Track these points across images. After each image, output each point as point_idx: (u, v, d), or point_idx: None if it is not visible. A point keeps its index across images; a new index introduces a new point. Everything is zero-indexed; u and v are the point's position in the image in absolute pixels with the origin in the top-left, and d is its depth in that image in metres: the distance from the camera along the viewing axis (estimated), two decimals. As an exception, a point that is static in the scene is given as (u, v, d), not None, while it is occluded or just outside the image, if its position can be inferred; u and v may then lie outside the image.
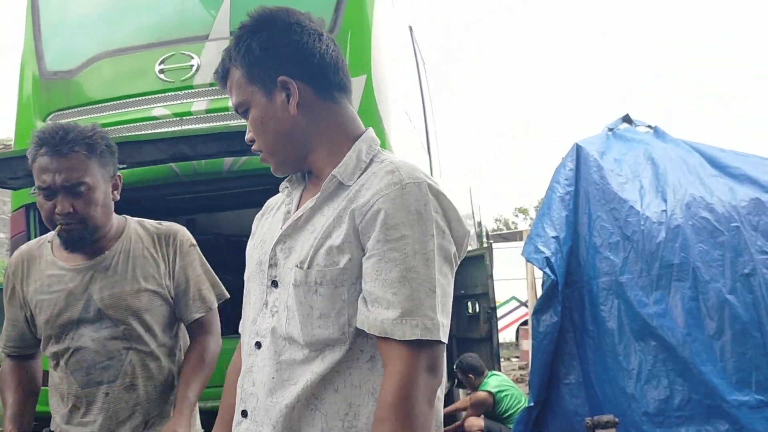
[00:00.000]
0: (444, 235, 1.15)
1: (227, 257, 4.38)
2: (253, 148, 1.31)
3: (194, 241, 2.12)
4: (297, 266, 1.21)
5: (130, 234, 2.02)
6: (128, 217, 2.09)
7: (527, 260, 4.51)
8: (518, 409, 5.12)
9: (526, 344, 8.38)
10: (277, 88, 1.25)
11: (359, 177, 1.23)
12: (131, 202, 4.22)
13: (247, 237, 4.88)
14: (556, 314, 4.11)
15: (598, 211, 4.21)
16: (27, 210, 3.96)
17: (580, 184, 4.35)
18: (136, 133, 3.72)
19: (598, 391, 4.01)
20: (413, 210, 1.13)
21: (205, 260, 2.14)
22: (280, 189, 1.38)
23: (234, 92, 1.29)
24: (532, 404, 4.17)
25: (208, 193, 4.18)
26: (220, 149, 3.40)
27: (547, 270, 4.14)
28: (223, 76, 1.30)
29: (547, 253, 4.16)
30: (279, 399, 1.19)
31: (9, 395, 2.00)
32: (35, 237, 3.95)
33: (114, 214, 2.02)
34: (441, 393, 1.24)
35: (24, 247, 2.06)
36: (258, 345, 1.26)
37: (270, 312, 1.25)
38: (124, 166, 3.53)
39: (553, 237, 4.20)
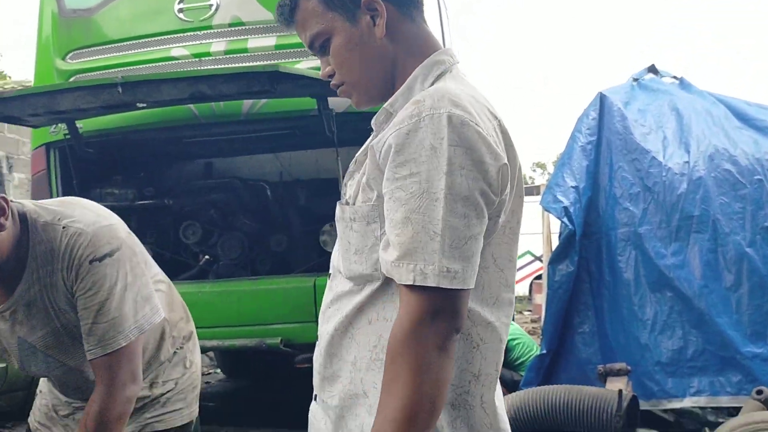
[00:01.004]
0: (463, 171, 1.03)
1: (245, 201, 4.40)
2: (332, 83, 1.24)
3: (103, 253, 1.55)
4: (340, 202, 1.20)
5: (36, 253, 1.58)
6: (34, 218, 1.59)
7: (545, 209, 4.47)
8: (530, 356, 5.16)
9: (539, 298, 8.42)
10: (361, 9, 1.18)
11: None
12: (150, 144, 4.24)
13: (264, 181, 4.82)
14: (573, 264, 4.10)
15: (619, 161, 4.15)
16: (47, 148, 3.98)
17: (602, 134, 4.28)
18: (156, 72, 3.69)
19: (612, 340, 4.03)
20: (427, 145, 1.03)
21: (123, 280, 1.57)
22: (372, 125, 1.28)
23: (310, 24, 1.20)
24: (544, 351, 4.20)
25: (226, 136, 4.17)
26: (240, 90, 3.38)
27: (565, 219, 4.11)
28: (292, 8, 1.21)
29: (566, 203, 4.12)
30: (328, 327, 1.21)
31: None
32: (55, 175, 3.99)
33: (15, 228, 1.56)
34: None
35: None
36: (330, 277, 1.27)
37: (340, 247, 1.24)
38: (144, 105, 3.52)
39: (573, 187, 4.16)
